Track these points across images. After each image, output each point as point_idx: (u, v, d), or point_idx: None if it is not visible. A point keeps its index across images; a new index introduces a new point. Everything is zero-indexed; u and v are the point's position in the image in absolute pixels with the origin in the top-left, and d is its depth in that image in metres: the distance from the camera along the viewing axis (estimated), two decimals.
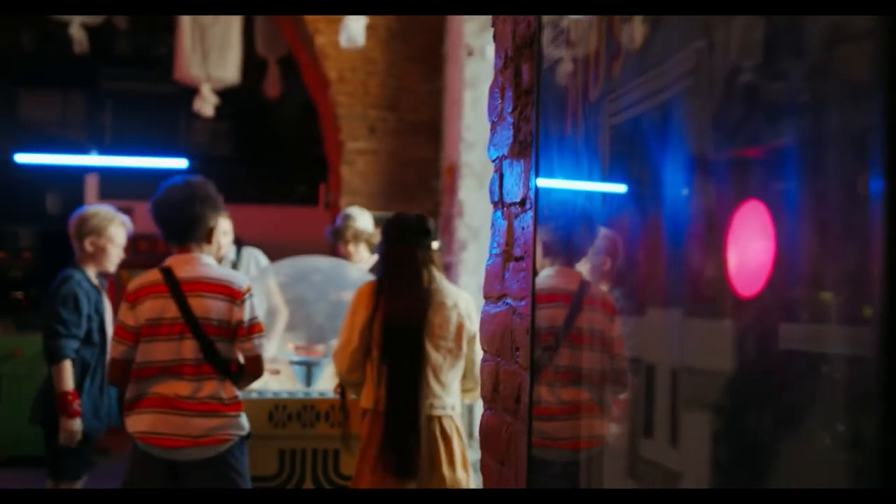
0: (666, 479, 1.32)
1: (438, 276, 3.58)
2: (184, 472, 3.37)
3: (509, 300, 1.99)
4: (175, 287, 3.37)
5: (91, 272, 4.35)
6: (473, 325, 3.51)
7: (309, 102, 8.99)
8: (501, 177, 2.09)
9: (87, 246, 4.32)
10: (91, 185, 12.59)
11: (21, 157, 11.44)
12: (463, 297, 3.61)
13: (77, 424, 4.10)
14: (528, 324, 1.78)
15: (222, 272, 3.50)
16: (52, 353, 4.12)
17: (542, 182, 1.78)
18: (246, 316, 3.41)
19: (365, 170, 7.43)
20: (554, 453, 1.86)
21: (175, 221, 3.48)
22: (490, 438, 2.11)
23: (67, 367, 4.11)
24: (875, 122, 0.89)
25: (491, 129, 2.20)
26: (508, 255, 2.02)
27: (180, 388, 3.34)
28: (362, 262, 5.36)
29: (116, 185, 11.84)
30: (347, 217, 5.45)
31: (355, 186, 7.42)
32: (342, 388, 3.72)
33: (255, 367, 3.46)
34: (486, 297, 2.21)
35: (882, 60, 0.89)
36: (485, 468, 2.16)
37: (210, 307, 3.37)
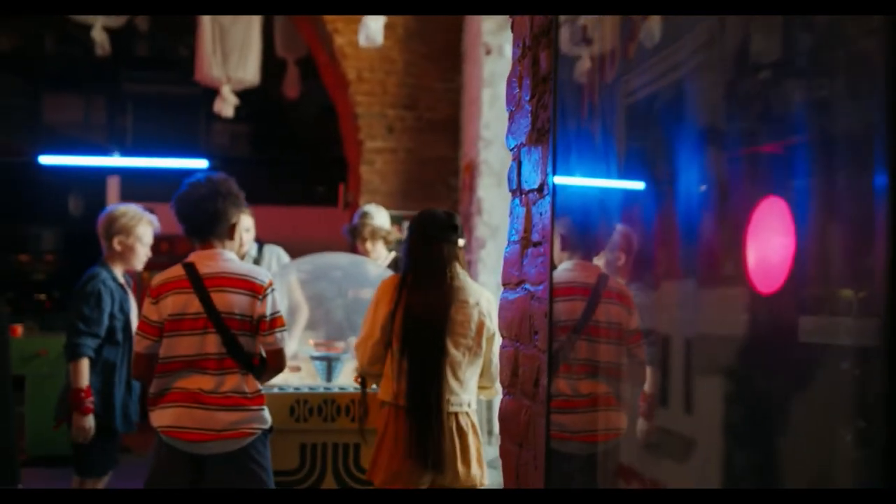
0: (680, 445, 1.34)
1: (462, 273, 3.57)
2: (207, 465, 3.40)
3: (528, 285, 2.01)
4: (198, 282, 3.41)
5: (118, 271, 4.39)
6: (493, 323, 3.51)
7: (328, 102, 9.03)
8: (520, 165, 2.11)
9: (116, 245, 4.36)
10: (113, 186, 12.67)
11: (43, 159, 11.54)
12: (485, 295, 3.60)
13: (90, 421, 4.14)
14: (547, 308, 1.79)
15: (244, 267, 3.53)
16: (70, 349, 4.16)
17: (560, 179, 1.79)
18: (268, 310, 3.44)
19: (384, 169, 7.46)
20: (573, 446, 1.87)
21: (197, 217, 3.51)
22: (509, 423, 2.13)
23: (84, 365, 4.15)
24: (880, 118, 0.89)
25: (509, 119, 2.21)
26: (527, 242, 2.03)
27: (204, 382, 3.37)
28: (380, 260, 5.38)
29: (138, 187, 11.89)
30: (365, 214, 5.45)
31: (374, 185, 7.45)
32: (362, 378, 3.73)
33: (277, 361, 3.49)
34: (505, 285, 2.23)
35: (889, 57, 0.90)
36: (504, 452, 2.18)
37: (232, 302, 3.40)
